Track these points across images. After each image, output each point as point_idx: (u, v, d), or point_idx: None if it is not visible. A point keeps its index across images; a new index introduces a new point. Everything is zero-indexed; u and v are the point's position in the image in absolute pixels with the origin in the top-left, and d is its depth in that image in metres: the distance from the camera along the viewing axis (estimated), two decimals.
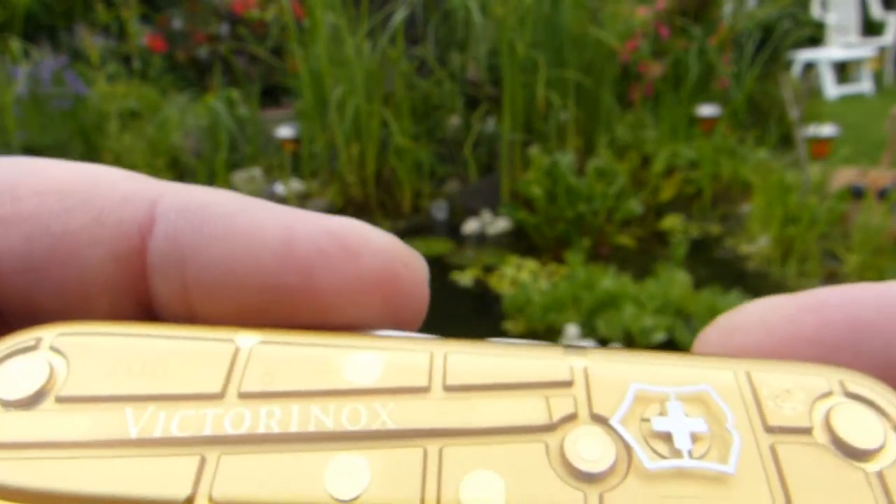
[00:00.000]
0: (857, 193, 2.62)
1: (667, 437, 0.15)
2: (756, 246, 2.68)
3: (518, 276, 2.52)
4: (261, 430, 0.14)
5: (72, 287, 0.16)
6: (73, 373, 0.15)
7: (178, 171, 3.63)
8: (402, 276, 0.17)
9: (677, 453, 0.14)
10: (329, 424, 0.14)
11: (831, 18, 5.25)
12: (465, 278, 2.63)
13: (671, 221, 3.00)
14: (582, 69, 3.30)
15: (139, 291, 0.17)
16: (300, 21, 3.58)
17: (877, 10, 5.60)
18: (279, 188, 3.43)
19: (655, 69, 3.45)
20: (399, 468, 0.14)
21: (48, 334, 0.16)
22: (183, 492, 0.13)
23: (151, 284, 0.17)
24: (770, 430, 0.15)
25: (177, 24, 4.68)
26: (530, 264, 2.62)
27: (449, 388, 0.15)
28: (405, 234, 3.16)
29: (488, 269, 2.66)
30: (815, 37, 5.10)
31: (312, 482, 0.14)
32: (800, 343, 0.17)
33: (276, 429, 0.14)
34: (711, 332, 0.18)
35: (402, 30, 3.34)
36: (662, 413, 0.15)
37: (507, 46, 3.18)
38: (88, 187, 0.17)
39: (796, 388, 0.16)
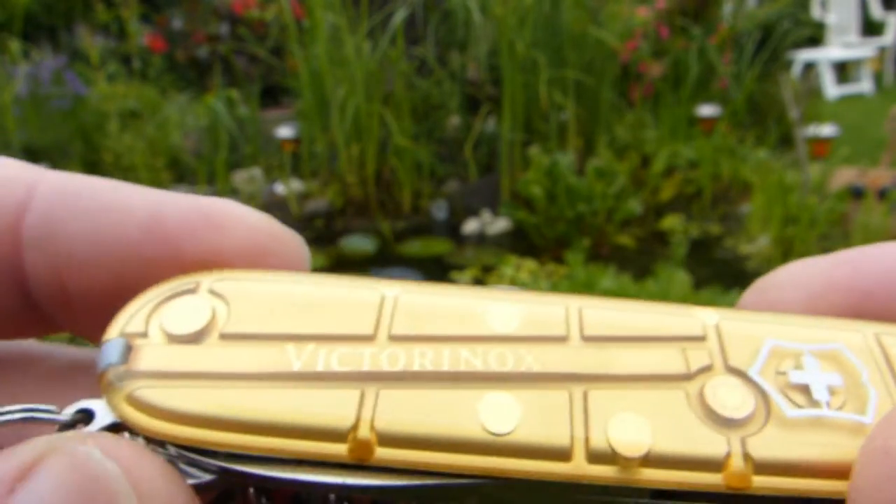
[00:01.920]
0: (857, 193, 2.62)
1: (804, 389, 0.15)
2: (756, 246, 2.68)
3: (517, 276, 2.52)
4: (415, 367, 0.15)
5: None
6: (234, 313, 0.16)
7: (178, 170, 3.63)
8: (272, 249, 0.18)
9: (816, 404, 0.15)
10: (478, 366, 0.15)
11: (831, 18, 5.25)
12: (464, 278, 2.63)
13: (671, 221, 3.00)
14: (582, 69, 3.30)
15: (14, 268, 0.17)
16: (300, 21, 3.58)
17: (877, 10, 5.59)
18: (279, 188, 3.43)
19: (655, 69, 3.45)
20: (547, 408, 0.15)
21: (206, 279, 0.17)
22: (347, 421, 0.14)
23: (25, 260, 0.17)
24: None
25: (177, 24, 4.68)
26: (529, 264, 2.62)
27: (587, 339, 0.16)
28: (405, 234, 3.16)
29: (487, 270, 2.66)
30: (815, 37, 5.10)
31: (467, 416, 0.14)
32: (834, 293, 0.17)
33: (429, 367, 0.15)
34: (749, 293, 0.19)
35: (402, 30, 3.34)
36: (798, 367, 0.16)
37: (507, 46, 3.18)
38: None
39: None
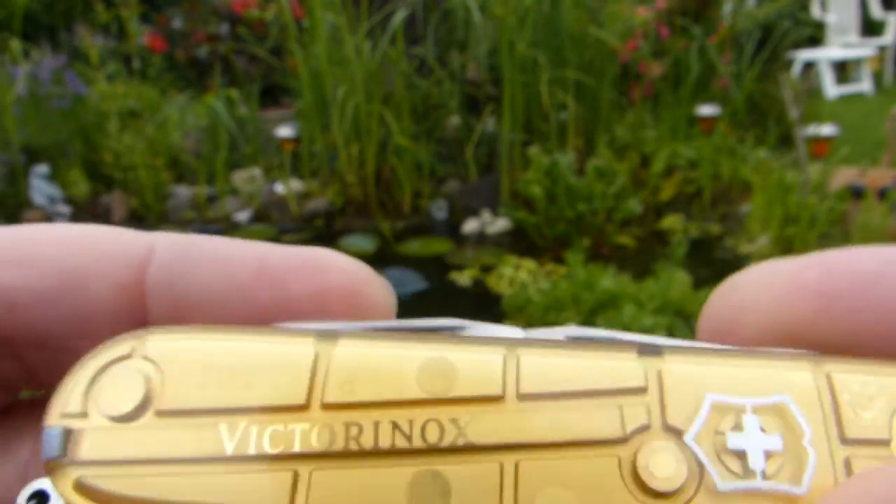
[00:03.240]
0: (857, 193, 2.62)
1: (741, 455, 0.15)
2: (756, 246, 2.68)
3: (516, 275, 2.52)
4: (346, 446, 0.15)
5: (80, 314, 0.19)
6: (168, 384, 0.16)
7: (178, 170, 3.63)
8: (366, 293, 0.20)
9: (750, 473, 0.15)
10: (410, 440, 0.15)
11: (831, 18, 5.25)
12: (463, 278, 2.63)
13: (671, 221, 3.00)
14: (582, 69, 3.30)
15: (138, 317, 0.19)
16: (300, 21, 3.58)
17: (877, 10, 5.59)
18: (279, 188, 3.43)
19: (655, 69, 3.45)
20: (477, 484, 0.14)
21: (139, 343, 0.17)
22: None
23: (148, 309, 0.19)
24: (846, 441, 0.15)
25: (177, 23, 4.68)
26: (528, 264, 2.62)
27: (522, 398, 0.16)
28: (405, 234, 3.16)
29: (486, 269, 2.66)
30: (815, 37, 5.10)
31: (396, 497, 0.14)
32: (801, 296, 0.17)
33: (360, 445, 0.15)
34: (715, 296, 0.19)
35: (402, 30, 3.34)
36: (738, 427, 0.15)
37: (507, 46, 3.18)
38: (96, 234, 0.20)
39: (879, 395, 0.15)
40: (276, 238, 3.18)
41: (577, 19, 3.32)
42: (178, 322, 0.18)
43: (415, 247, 3.04)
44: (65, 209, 3.46)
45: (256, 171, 3.56)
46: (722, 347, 0.17)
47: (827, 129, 3.29)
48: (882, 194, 2.55)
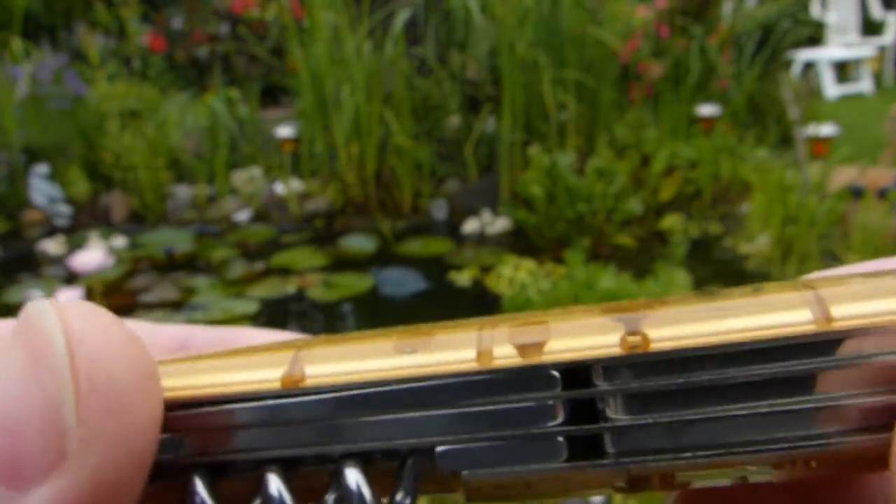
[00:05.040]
0: (856, 193, 2.62)
1: None
2: (756, 245, 2.68)
3: (516, 275, 2.52)
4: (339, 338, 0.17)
5: None
6: None
7: (178, 170, 3.63)
8: None
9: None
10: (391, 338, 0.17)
11: (831, 18, 5.25)
12: (463, 278, 2.63)
13: (671, 221, 3.00)
14: (582, 69, 3.30)
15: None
16: (300, 21, 3.58)
17: (877, 10, 5.59)
18: (279, 188, 3.43)
19: (655, 69, 3.45)
20: (458, 332, 0.16)
21: None
22: (277, 373, 0.16)
23: None
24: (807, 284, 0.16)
25: (177, 23, 4.68)
26: (528, 264, 2.62)
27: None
28: (405, 234, 3.16)
29: (486, 269, 2.66)
30: (815, 37, 5.10)
31: (383, 347, 0.16)
32: None
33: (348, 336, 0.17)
34: None
35: (403, 30, 3.34)
36: None
37: (507, 46, 3.18)
38: None
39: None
40: (275, 238, 3.18)
41: (577, 19, 3.32)
42: None
43: (415, 247, 3.04)
44: (65, 209, 3.46)
45: (256, 171, 3.56)
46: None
47: (827, 129, 3.29)
48: (882, 194, 2.55)
